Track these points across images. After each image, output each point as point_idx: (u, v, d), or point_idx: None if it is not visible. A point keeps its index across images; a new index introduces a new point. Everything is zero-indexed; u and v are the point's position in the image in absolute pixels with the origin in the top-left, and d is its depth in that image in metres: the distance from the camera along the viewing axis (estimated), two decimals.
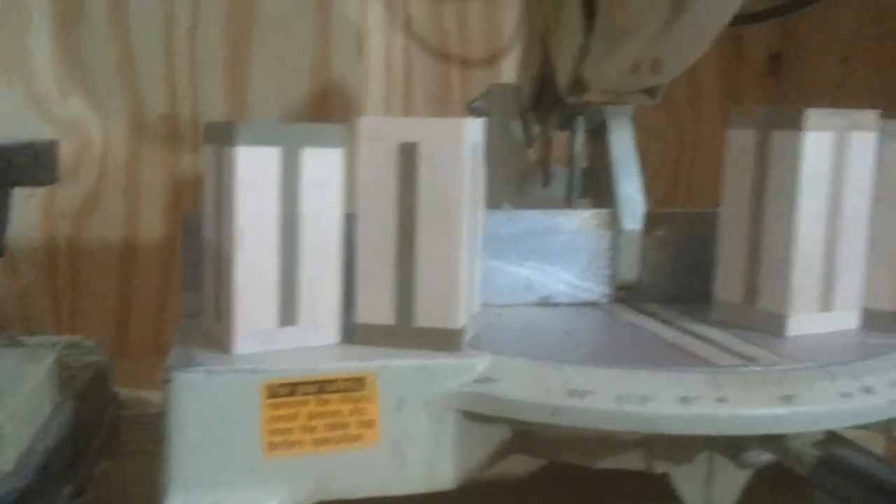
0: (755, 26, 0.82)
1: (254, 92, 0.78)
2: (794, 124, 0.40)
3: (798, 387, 0.36)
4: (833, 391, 0.37)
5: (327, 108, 0.79)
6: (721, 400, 0.35)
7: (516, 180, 0.59)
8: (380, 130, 0.37)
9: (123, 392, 0.60)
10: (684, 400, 0.35)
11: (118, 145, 0.76)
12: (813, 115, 0.40)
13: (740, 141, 0.42)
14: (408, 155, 0.37)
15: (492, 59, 0.82)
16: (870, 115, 0.42)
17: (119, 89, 0.75)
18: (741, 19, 0.73)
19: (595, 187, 0.61)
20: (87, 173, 0.76)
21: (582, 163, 0.60)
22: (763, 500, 0.45)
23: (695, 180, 0.91)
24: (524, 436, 0.41)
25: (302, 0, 0.78)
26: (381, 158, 0.37)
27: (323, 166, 0.37)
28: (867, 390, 0.37)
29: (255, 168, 0.36)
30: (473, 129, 0.38)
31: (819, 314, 0.43)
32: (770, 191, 0.41)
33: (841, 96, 0.81)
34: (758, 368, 0.37)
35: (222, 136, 0.36)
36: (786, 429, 0.36)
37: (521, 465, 0.48)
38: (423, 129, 0.37)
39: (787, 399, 0.36)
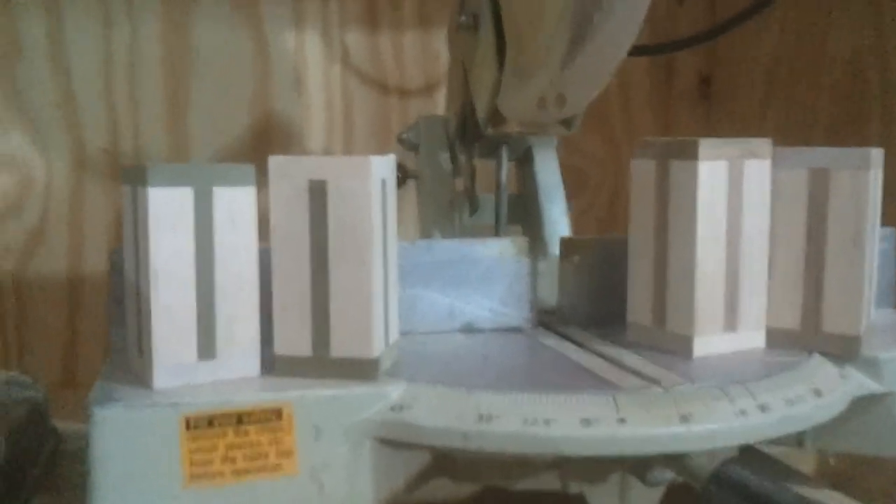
0: (684, 52, 0.85)
1: (194, 127, 0.79)
2: (690, 154, 0.42)
3: (695, 406, 0.38)
4: (730, 410, 0.38)
5: (268, 142, 0.81)
6: (621, 421, 0.37)
7: (446, 209, 0.60)
8: (289, 169, 0.39)
9: (69, 425, 0.60)
10: (586, 422, 0.37)
11: (61, 180, 0.77)
12: (705, 146, 0.42)
13: (642, 170, 0.44)
14: (317, 192, 0.39)
15: (429, 89, 0.84)
16: (763, 143, 0.44)
17: (60, 125, 0.76)
18: (670, 46, 0.76)
19: (524, 214, 0.63)
20: (31, 209, 0.77)
21: (511, 190, 0.62)
22: None
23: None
24: (444, 460, 0.42)
25: (239, 35, 0.80)
26: (292, 196, 0.39)
27: (234, 204, 0.38)
28: (763, 408, 0.39)
29: (168, 208, 0.37)
30: (381, 165, 0.40)
31: (724, 335, 0.44)
32: (671, 218, 0.43)
33: (766, 117, 0.84)
34: (658, 390, 0.39)
35: (136, 178, 0.37)
36: (683, 447, 0.37)
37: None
38: (331, 167, 0.38)
39: (685, 418, 0.37)
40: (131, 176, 0.38)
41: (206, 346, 0.39)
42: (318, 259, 0.39)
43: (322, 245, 0.39)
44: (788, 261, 0.45)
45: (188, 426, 0.37)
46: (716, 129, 0.92)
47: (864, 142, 0.73)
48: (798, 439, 0.48)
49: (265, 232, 0.40)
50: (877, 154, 0.45)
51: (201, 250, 0.38)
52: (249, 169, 0.39)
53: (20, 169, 0.76)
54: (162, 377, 0.38)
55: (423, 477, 0.42)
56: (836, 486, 0.54)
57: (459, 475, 0.44)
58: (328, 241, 0.39)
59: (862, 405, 0.44)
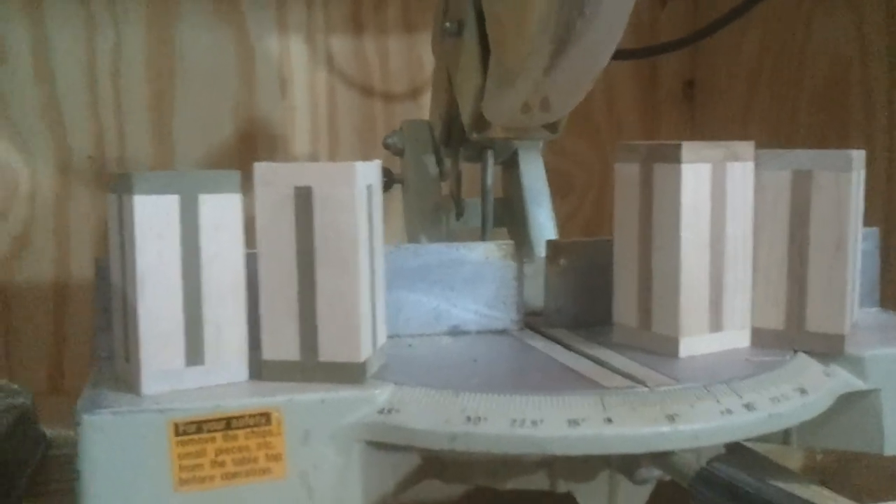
0: (668, 56, 0.86)
1: (179, 132, 0.79)
2: (673, 158, 0.42)
3: (681, 406, 0.38)
4: (715, 409, 0.39)
5: (254, 148, 0.81)
6: (608, 421, 0.37)
7: (431, 214, 0.61)
8: (274, 175, 0.39)
9: (56, 431, 0.60)
10: (573, 422, 0.37)
11: (46, 187, 0.77)
12: (688, 149, 0.42)
13: (626, 173, 0.45)
14: (303, 198, 0.39)
15: (414, 93, 0.85)
16: (746, 146, 0.44)
17: (45, 132, 0.76)
18: (654, 50, 0.77)
19: (510, 217, 0.63)
20: (16, 216, 0.77)
21: (497, 193, 0.62)
22: None
23: None
24: (433, 462, 0.43)
25: (224, 40, 0.80)
26: (277, 202, 0.39)
27: (220, 211, 0.39)
28: (748, 407, 0.39)
29: (153, 215, 0.37)
30: (367, 172, 0.40)
31: (710, 335, 0.45)
32: (655, 220, 0.44)
33: (750, 120, 0.85)
34: (644, 389, 0.39)
35: (122, 186, 0.38)
36: (669, 446, 0.38)
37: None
38: (317, 173, 0.39)
39: (671, 418, 0.38)
40: (117, 184, 0.38)
41: (194, 352, 0.39)
42: (304, 265, 0.39)
43: (308, 251, 0.39)
44: (772, 261, 0.46)
45: (177, 432, 0.37)
46: (701, 132, 0.92)
47: (846, 144, 0.74)
48: (784, 437, 0.49)
49: (252, 237, 0.40)
50: (858, 156, 0.45)
51: (188, 257, 0.38)
52: (235, 175, 0.39)
53: (4, 175, 0.76)
54: (150, 383, 0.38)
55: (413, 479, 0.43)
56: (823, 482, 0.55)
57: (449, 476, 0.44)
58: (314, 247, 0.39)
59: (847, 402, 0.45)
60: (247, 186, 0.39)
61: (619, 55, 0.43)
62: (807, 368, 0.44)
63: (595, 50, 0.41)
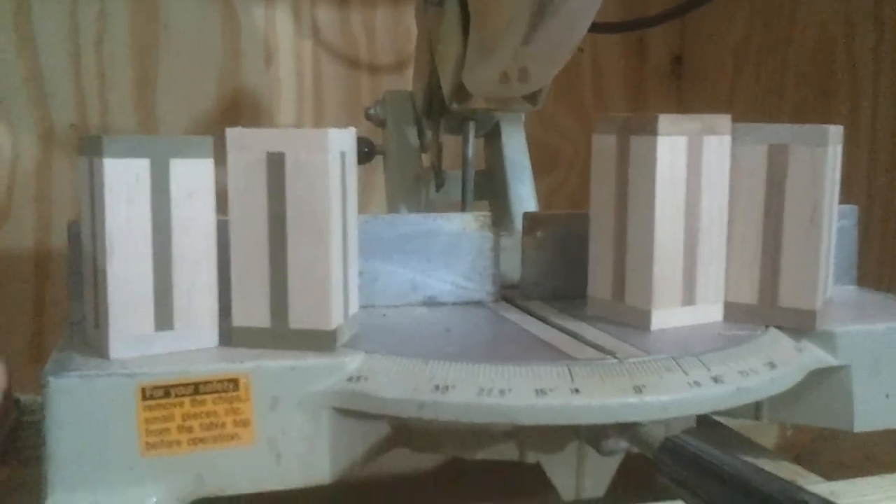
0: (656, 29, 0.85)
1: (163, 102, 0.79)
2: (649, 129, 0.42)
3: (650, 378, 0.38)
4: (683, 381, 0.39)
5: (238, 118, 0.81)
6: (575, 391, 0.37)
7: (412, 185, 0.60)
8: (247, 140, 0.39)
9: (32, 397, 0.60)
10: (540, 392, 0.37)
11: (28, 155, 0.77)
12: (664, 121, 0.42)
13: (603, 145, 0.45)
14: (275, 164, 0.39)
15: (399, 66, 0.84)
16: (723, 119, 0.44)
17: (27, 100, 0.76)
18: (641, 23, 0.77)
19: (491, 190, 0.63)
20: None
21: (479, 166, 0.62)
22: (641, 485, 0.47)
23: None
24: (402, 430, 0.43)
25: (209, 9, 0.79)
26: (250, 168, 0.39)
27: (192, 176, 0.38)
28: (716, 379, 0.39)
29: (123, 179, 0.37)
30: (340, 138, 0.40)
31: (682, 308, 0.45)
32: (631, 192, 0.44)
33: (736, 95, 0.85)
34: (613, 361, 0.39)
35: (93, 148, 0.37)
36: (636, 417, 0.38)
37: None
38: (289, 139, 0.38)
39: (639, 389, 0.38)
40: (88, 147, 0.38)
41: (164, 317, 0.39)
42: (276, 231, 0.39)
43: (280, 217, 0.39)
44: (746, 236, 0.46)
45: (144, 396, 0.37)
46: (688, 108, 0.92)
47: (831, 120, 0.74)
48: (756, 412, 0.49)
49: (226, 205, 0.39)
50: (835, 131, 0.45)
51: (158, 222, 0.38)
52: (207, 141, 0.39)
53: None
54: (118, 348, 0.38)
55: (382, 448, 0.43)
56: (796, 460, 0.55)
57: (418, 446, 0.44)
58: (286, 214, 0.39)
59: (818, 378, 0.45)
60: (223, 157, 0.39)
61: (606, 28, 0.43)
62: (777, 343, 0.44)
63: (573, 20, 0.40)
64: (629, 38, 0.90)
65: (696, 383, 0.39)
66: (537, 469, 0.45)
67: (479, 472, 0.49)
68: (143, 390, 0.37)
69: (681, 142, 0.43)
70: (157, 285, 0.38)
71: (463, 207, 0.60)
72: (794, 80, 0.79)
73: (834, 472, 0.54)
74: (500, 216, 0.61)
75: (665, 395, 0.38)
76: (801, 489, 0.31)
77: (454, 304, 0.50)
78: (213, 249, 0.40)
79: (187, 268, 0.39)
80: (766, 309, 0.45)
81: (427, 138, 0.61)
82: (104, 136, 0.37)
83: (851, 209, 0.54)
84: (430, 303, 0.50)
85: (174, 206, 0.38)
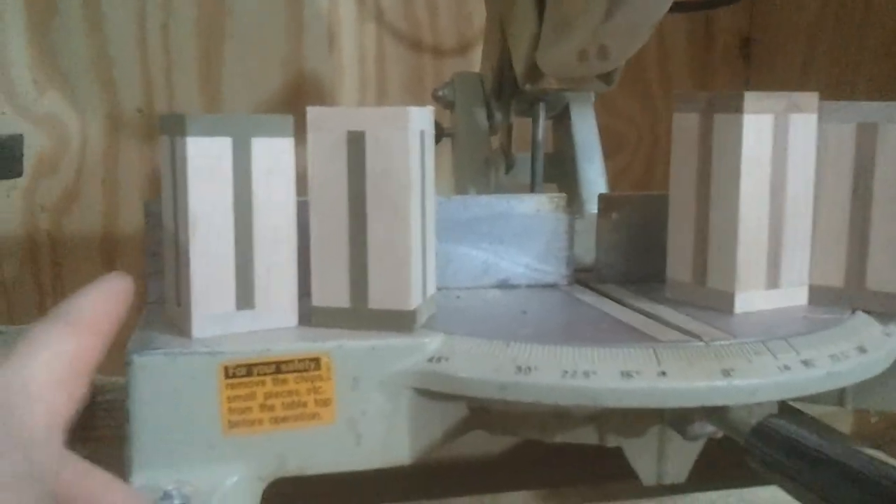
0: (723, 10, 0.84)
1: (227, 85, 0.79)
2: (734, 108, 0.41)
3: (738, 361, 0.37)
4: (772, 365, 0.38)
5: (301, 100, 0.81)
6: (662, 374, 0.37)
7: (481, 167, 0.60)
8: (327, 120, 0.38)
9: (103, 378, 0.61)
10: (626, 374, 0.37)
11: (96, 139, 0.77)
12: (751, 99, 0.41)
13: (685, 124, 0.44)
14: (355, 143, 0.38)
15: (463, 48, 0.84)
16: (810, 97, 0.43)
17: (95, 84, 0.77)
18: (710, 4, 0.75)
19: (560, 172, 0.62)
20: (66, 167, 0.77)
21: (547, 148, 0.61)
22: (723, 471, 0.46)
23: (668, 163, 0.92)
24: (480, 412, 0.42)
25: None
26: (330, 147, 0.38)
27: (273, 155, 0.38)
28: (806, 363, 0.38)
29: (206, 158, 0.37)
30: (420, 117, 0.39)
31: (766, 291, 0.44)
32: (714, 172, 0.43)
33: (808, 77, 0.82)
34: (700, 343, 0.38)
35: (175, 127, 0.37)
36: (724, 401, 0.37)
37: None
38: (370, 118, 0.38)
39: (727, 372, 0.37)
40: (170, 125, 0.38)
41: (245, 296, 0.39)
42: (356, 211, 0.39)
43: (360, 196, 0.39)
44: (833, 217, 0.44)
45: (227, 374, 0.37)
46: (756, 91, 0.90)
47: None
48: (839, 398, 0.48)
49: (304, 187, 0.39)
50: None
51: (240, 200, 0.38)
52: (288, 120, 0.39)
53: (56, 128, 0.77)
54: (200, 326, 0.38)
55: (460, 429, 0.42)
56: (876, 447, 0.54)
57: (496, 428, 0.44)
58: (366, 193, 0.39)
59: None
60: (297, 138, 0.39)
61: (673, 8, 0.42)
62: (866, 327, 0.42)
63: None
64: (695, 18, 0.89)
65: (786, 367, 0.38)
66: (617, 454, 0.44)
67: (552, 456, 0.48)
68: (226, 369, 0.37)
69: (766, 120, 0.42)
70: (239, 264, 0.38)
71: (532, 190, 0.59)
72: (870, 62, 0.77)
73: None
74: (569, 198, 0.60)
75: (754, 379, 0.37)
76: None
77: (528, 286, 0.49)
78: (293, 229, 0.40)
79: (268, 247, 0.39)
80: (852, 292, 0.44)
81: (496, 120, 0.61)
82: (186, 114, 0.37)
83: None
84: (504, 285, 0.49)
85: (255, 184, 0.38)
